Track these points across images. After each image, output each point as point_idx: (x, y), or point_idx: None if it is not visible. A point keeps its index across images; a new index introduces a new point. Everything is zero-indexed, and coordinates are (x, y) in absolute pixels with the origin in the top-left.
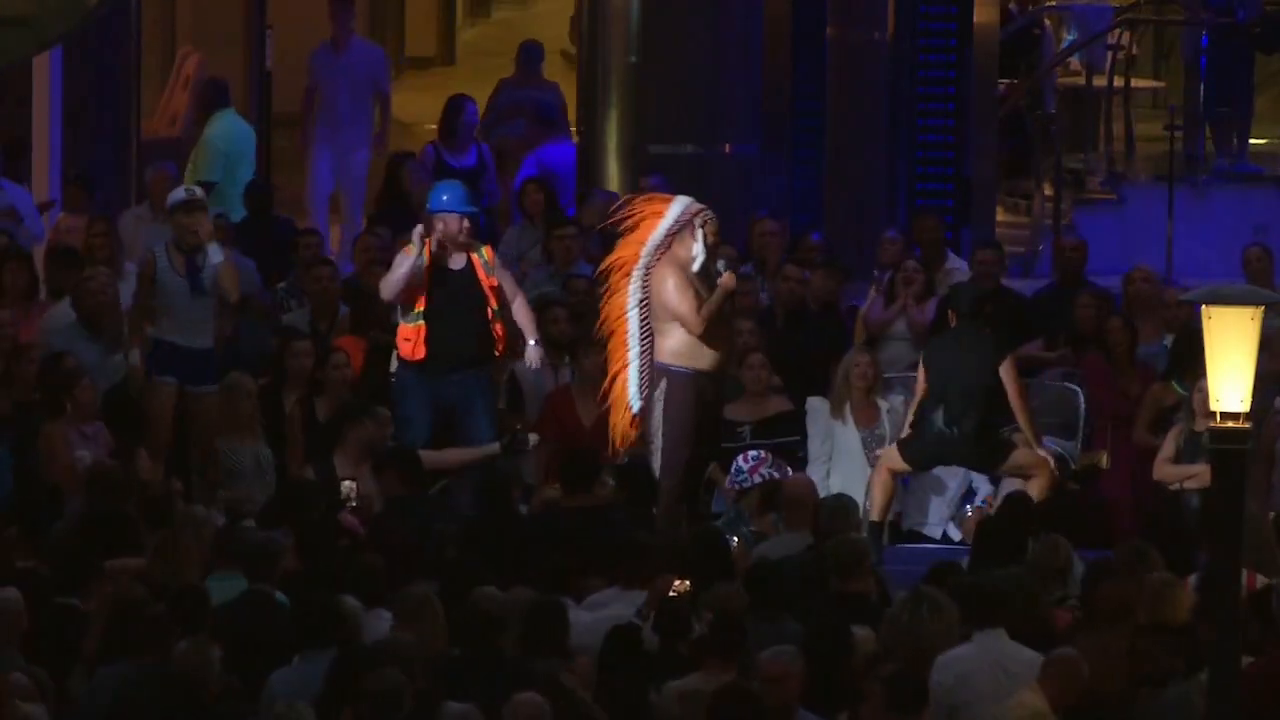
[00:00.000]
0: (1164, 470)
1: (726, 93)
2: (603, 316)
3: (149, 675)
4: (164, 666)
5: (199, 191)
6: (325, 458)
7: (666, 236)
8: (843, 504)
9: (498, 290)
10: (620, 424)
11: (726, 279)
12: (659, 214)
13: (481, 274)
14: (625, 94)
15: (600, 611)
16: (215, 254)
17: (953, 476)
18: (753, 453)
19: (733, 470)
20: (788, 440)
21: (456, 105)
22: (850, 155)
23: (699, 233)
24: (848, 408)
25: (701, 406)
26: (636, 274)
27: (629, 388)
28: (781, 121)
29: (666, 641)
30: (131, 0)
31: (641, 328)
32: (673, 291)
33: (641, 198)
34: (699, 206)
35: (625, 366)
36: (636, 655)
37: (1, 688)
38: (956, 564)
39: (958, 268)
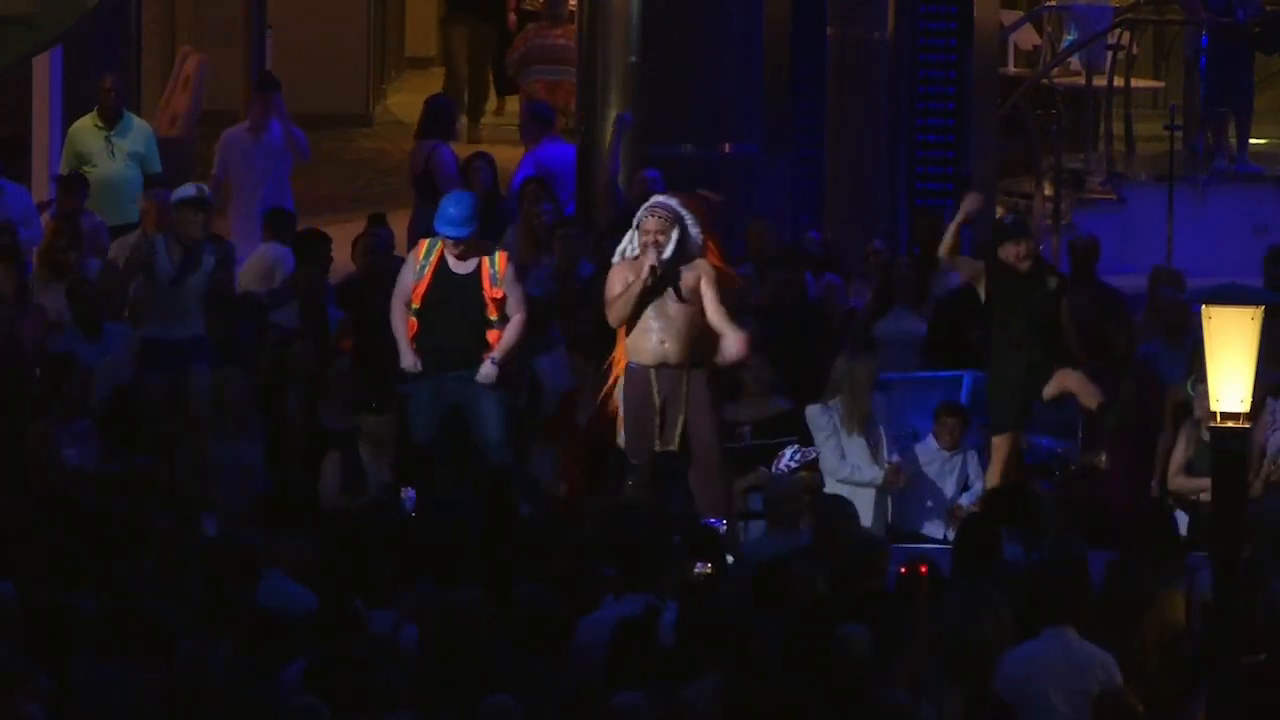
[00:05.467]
0: (1178, 482)
1: (726, 93)
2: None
3: (149, 675)
4: (164, 666)
5: (207, 190)
6: (351, 452)
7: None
8: (839, 503)
9: (500, 302)
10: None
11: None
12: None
13: (486, 283)
14: (625, 94)
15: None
16: (210, 256)
17: (950, 473)
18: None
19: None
20: (787, 440)
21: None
22: (850, 155)
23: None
24: (854, 416)
25: (648, 401)
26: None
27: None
28: (782, 121)
29: (688, 629)
30: (131, 0)
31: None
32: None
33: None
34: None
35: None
36: (645, 650)
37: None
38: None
39: None
